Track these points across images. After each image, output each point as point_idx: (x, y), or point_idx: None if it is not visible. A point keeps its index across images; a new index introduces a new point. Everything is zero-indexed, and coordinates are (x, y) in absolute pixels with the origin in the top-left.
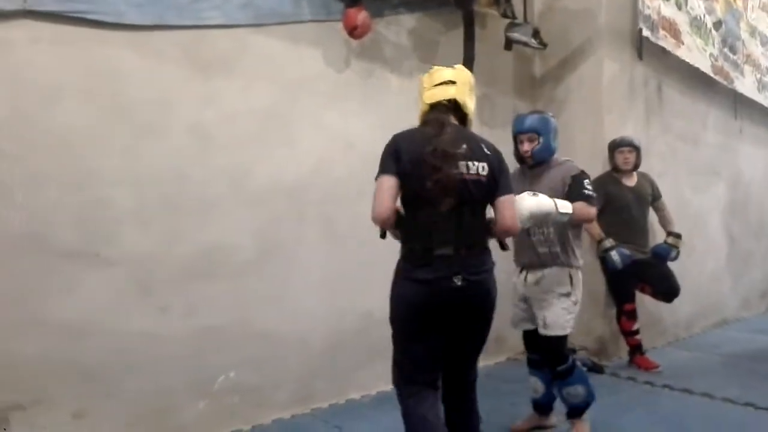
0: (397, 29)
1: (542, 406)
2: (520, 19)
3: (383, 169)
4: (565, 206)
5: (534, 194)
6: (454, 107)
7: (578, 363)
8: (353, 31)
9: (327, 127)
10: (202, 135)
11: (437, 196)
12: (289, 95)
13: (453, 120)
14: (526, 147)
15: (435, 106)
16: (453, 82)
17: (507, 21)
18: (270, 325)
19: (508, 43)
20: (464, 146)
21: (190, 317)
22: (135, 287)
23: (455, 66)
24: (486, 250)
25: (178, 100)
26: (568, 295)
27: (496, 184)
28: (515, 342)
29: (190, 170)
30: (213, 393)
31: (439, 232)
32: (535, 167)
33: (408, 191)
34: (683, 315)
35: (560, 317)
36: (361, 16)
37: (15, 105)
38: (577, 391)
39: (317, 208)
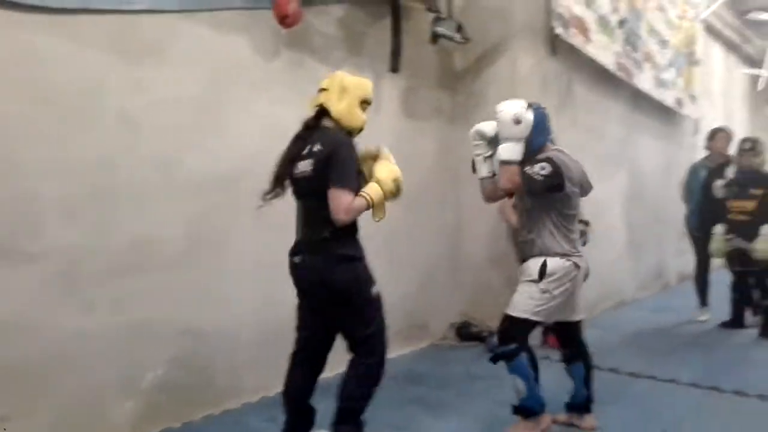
0: (326, 19)
1: (573, 406)
2: (443, 13)
3: None
4: (505, 155)
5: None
6: (325, 110)
7: (522, 358)
8: (284, 20)
9: (258, 116)
10: (130, 123)
11: (285, 191)
12: (219, 83)
13: (326, 122)
14: None
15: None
16: (325, 89)
17: (432, 15)
18: (199, 319)
19: (434, 37)
20: (304, 148)
21: (118, 313)
22: (60, 282)
23: (337, 72)
24: (329, 238)
25: (104, 87)
26: (535, 281)
27: (324, 178)
28: (437, 329)
29: (118, 159)
30: (142, 391)
31: (298, 221)
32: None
33: None
34: (587, 297)
35: (520, 297)
36: (292, 5)
37: None
38: (517, 384)
39: (250, 198)
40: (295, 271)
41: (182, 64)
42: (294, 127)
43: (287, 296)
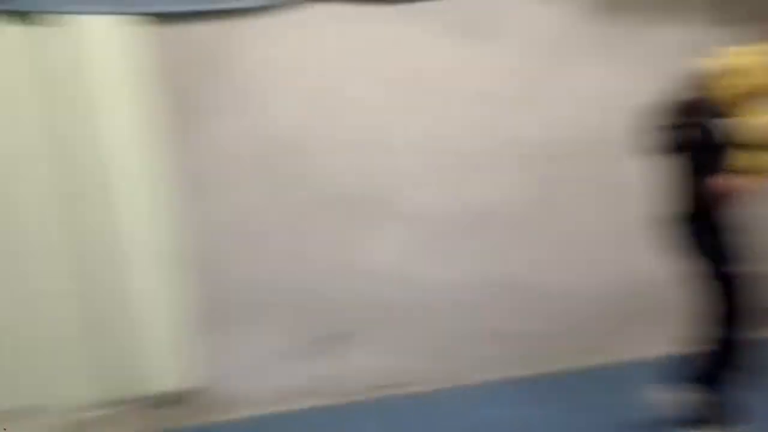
0: None
1: None
2: None
3: None
4: None
5: None
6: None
7: None
8: None
9: (589, 84)
10: (477, 99)
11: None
12: (546, 54)
13: (706, 93)
14: None
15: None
16: (714, 59)
17: None
18: (547, 278)
19: None
20: (682, 118)
21: (474, 268)
22: (424, 240)
23: (738, 48)
24: (697, 211)
25: (448, 67)
26: None
27: (699, 154)
28: None
29: (468, 132)
30: (491, 340)
31: (673, 186)
32: None
33: None
34: None
35: None
36: None
37: (318, 79)
38: None
39: (592, 166)
40: (676, 234)
41: (512, 39)
42: (626, 95)
43: (636, 262)
